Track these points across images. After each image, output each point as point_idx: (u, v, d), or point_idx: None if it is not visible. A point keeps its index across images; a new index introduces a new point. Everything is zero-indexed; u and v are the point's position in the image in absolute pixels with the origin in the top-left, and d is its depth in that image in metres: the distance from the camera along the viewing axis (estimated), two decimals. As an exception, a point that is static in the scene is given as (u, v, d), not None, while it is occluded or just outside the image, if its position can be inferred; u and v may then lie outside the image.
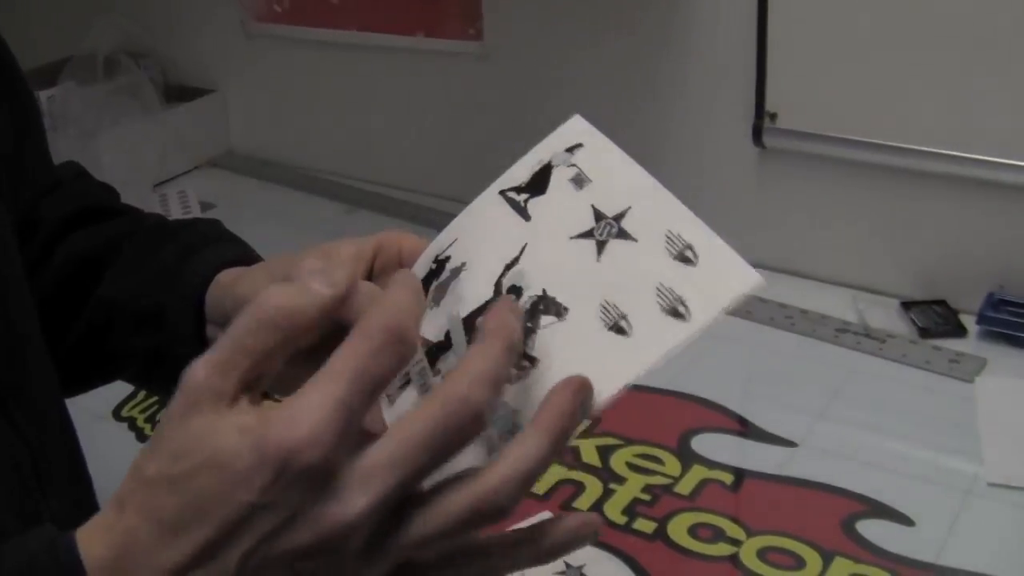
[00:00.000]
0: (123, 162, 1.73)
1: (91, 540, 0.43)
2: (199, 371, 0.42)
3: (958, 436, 1.09)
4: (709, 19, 1.39)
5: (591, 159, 0.51)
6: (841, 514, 0.99)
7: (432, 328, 0.50)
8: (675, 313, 0.47)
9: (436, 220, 1.62)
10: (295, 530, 0.41)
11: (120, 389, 1.22)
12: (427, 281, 0.54)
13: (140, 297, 0.68)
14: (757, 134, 1.37)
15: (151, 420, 1.20)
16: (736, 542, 0.96)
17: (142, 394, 1.24)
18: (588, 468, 1.07)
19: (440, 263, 0.53)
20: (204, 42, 1.94)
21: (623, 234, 0.48)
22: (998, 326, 1.24)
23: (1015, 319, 1.23)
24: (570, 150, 0.52)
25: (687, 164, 1.48)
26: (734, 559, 0.95)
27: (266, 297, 0.43)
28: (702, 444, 1.10)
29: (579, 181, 0.51)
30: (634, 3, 1.44)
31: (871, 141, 1.30)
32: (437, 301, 0.52)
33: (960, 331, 1.26)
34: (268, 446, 0.40)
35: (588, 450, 1.09)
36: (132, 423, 1.21)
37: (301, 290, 0.44)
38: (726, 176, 1.44)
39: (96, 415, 1.20)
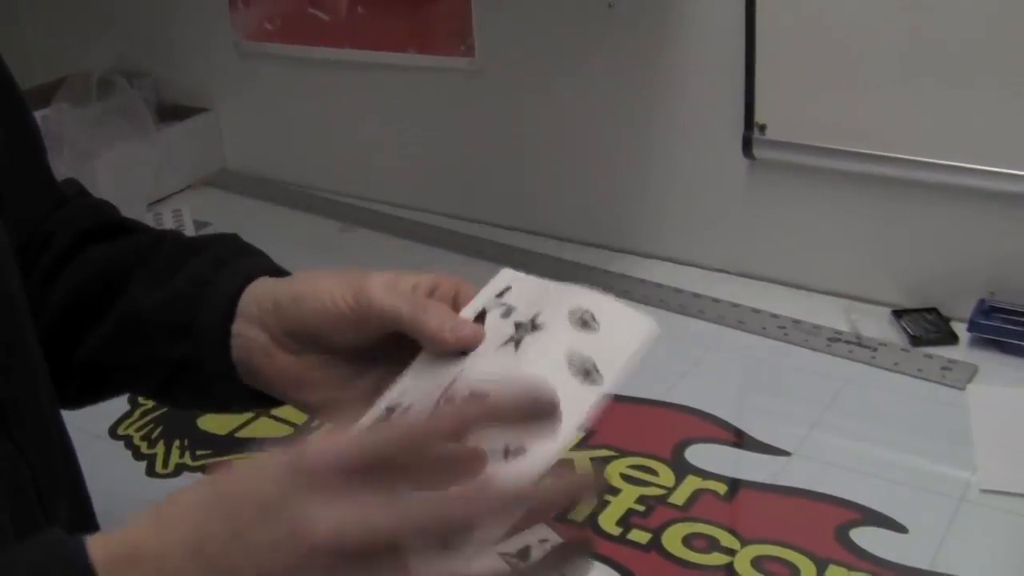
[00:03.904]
0: (118, 182, 1.73)
1: (101, 541, 0.45)
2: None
3: (951, 443, 1.09)
4: (697, 32, 1.40)
5: (517, 294, 0.56)
6: (835, 522, 0.99)
7: None
8: (586, 375, 0.51)
9: (431, 236, 1.63)
10: (283, 548, 0.43)
11: (117, 407, 1.24)
12: None
13: (169, 309, 0.69)
14: (747, 145, 1.38)
15: (147, 438, 1.20)
16: (730, 552, 0.97)
17: (139, 412, 1.24)
18: (583, 480, 1.07)
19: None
20: (197, 61, 1.95)
21: (536, 328, 0.53)
22: (989, 333, 1.24)
23: (1006, 326, 1.24)
24: (500, 295, 0.57)
25: (677, 176, 1.49)
26: (729, 569, 0.95)
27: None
28: (696, 455, 1.10)
29: (507, 313, 0.56)
30: (624, 18, 1.45)
31: (860, 151, 1.30)
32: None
33: (951, 339, 1.26)
34: (290, 458, 0.44)
35: (582, 462, 1.10)
36: (129, 441, 1.21)
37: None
38: (716, 187, 1.45)
39: (93, 433, 1.20)
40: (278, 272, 0.69)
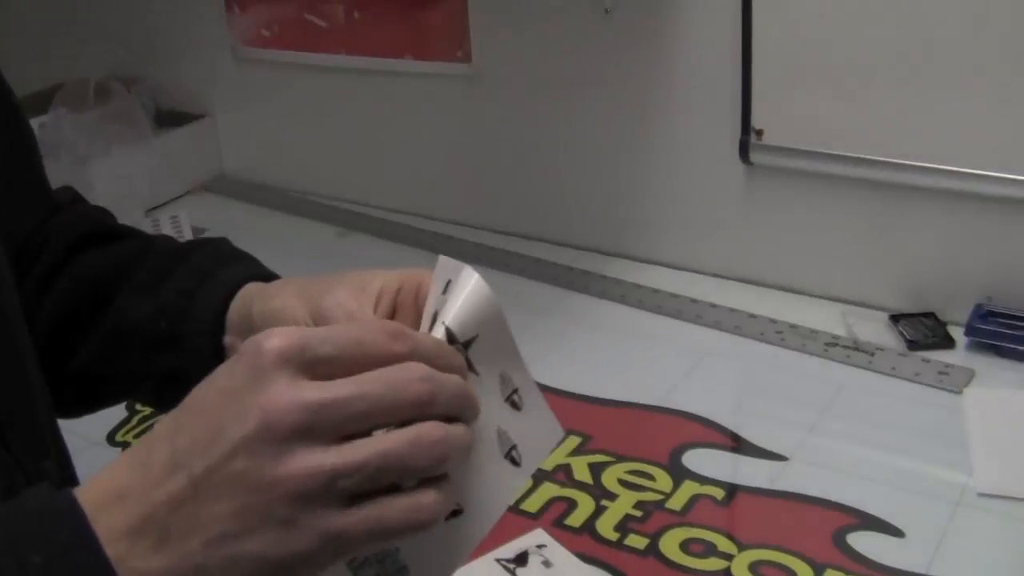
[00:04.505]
0: (115, 188, 1.73)
1: (87, 487, 0.46)
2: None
3: (947, 447, 1.10)
4: (694, 37, 1.40)
5: (457, 290, 0.54)
6: (832, 527, 1.00)
7: None
8: (512, 460, 0.51)
9: (428, 241, 1.63)
10: (248, 412, 0.44)
11: (114, 415, 1.24)
12: None
13: (158, 320, 0.69)
14: (744, 150, 1.38)
15: (145, 444, 1.20)
16: (728, 556, 0.97)
17: (136, 419, 1.24)
18: (580, 485, 1.08)
19: None
20: (194, 67, 1.95)
21: (468, 365, 0.51)
22: (986, 337, 1.24)
23: (1003, 330, 1.24)
24: (445, 291, 0.55)
25: (675, 181, 1.49)
26: (726, 573, 0.95)
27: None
28: (693, 459, 1.11)
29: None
30: (620, 24, 1.45)
31: (857, 156, 1.31)
32: None
33: (948, 343, 1.27)
34: (250, 340, 0.46)
35: (580, 467, 1.10)
36: (126, 448, 1.21)
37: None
38: (713, 193, 1.45)
39: (91, 441, 1.20)
40: (265, 276, 0.69)
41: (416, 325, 0.59)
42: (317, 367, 0.45)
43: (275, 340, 0.45)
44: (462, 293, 0.52)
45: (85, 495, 0.45)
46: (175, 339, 0.68)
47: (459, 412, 0.48)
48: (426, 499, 0.46)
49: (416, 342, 0.48)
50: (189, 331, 0.67)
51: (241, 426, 0.44)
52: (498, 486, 0.51)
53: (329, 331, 0.47)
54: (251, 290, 0.67)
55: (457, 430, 0.47)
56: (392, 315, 0.61)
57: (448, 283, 0.54)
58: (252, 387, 0.44)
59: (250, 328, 0.64)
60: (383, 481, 0.45)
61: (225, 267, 0.69)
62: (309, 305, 0.60)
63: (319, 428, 0.44)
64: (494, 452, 0.51)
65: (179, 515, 0.44)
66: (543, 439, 0.52)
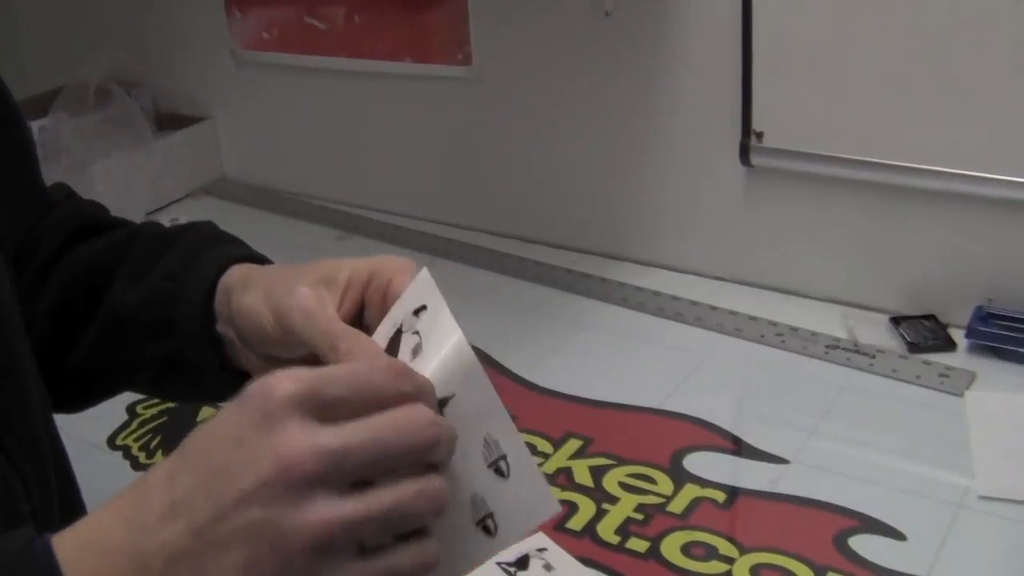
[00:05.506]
0: (115, 191, 1.73)
1: (70, 534, 0.45)
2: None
3: (949, 450, 1.09)
4: (695, 40, 1.40)
5: (429, 325, 0.52)
6: (833, 530, 0.99)
7: None
8: (485, 528, 0.49)
9: (427, 244, 1.63)
10: (261, 459, 0.43)
11: (115, 418, 1.24)
12: None
13: (148, 308, 0.69)
14: (744, 153, 1.38)
15: (145, 448, 1.20)
16: (729, 560, 0.97)
17: (136, 422, 1.24)
18: (581, 488, 1.07)
19: None
20: (194, 70, 1.95)
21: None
22: (987, 340, 1.24)
23: (1004, 332, 1.24)
24: (416, 312, 0.53)
25: (675, 184, 1.49)
26: (727, 577, 0.95)
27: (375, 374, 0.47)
28: (694, 463, 1.10)
29: (416, 351, 0.52)
30: (621, 26, 1.45)
31: (857, 158, 1.31)
32: None
33: (949, 345, 1.26)
34: (256, 384, 0.45)
35: (581, 470, 1.10)
36: (127, 451, 1.21)
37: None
38: (714, 195, 1.45)
39: (90, 444, 1.20)
40: (252, 257, 0.69)
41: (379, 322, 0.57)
42: (327, 410, 0.44)
43: (285, 385, 0.44)
44: (441, 349, 0.50)
45: (64, 544, 0.44)
46: (167, 325, 0.67)
47: (450, 458, 0.48)
48: (428, 546, 0.46)
49: (419, 383, 0.47)
50: (180, 315, 0.67)
51: (253, 473, 0.42)
52: (462, 552, 0.49)
53: (338, 372, 0.46)
54: (234, 277, 0.66)
55: (443, 482, 0.47)
56: (359, 309, 0.59)
57: (423, 308, 0.52)
58: (263, 433, 0.43)
59: (229, 320, 0.64)
60: (394, 530, 0.45)
61: (210, 250, 0.69)
62: (271, 302, 0.60)
63: (336, 475, 0.43)
64: (464, 518, 0.49)
65: (178, 568, 0.43)
66: (530, 512, 0.49)
